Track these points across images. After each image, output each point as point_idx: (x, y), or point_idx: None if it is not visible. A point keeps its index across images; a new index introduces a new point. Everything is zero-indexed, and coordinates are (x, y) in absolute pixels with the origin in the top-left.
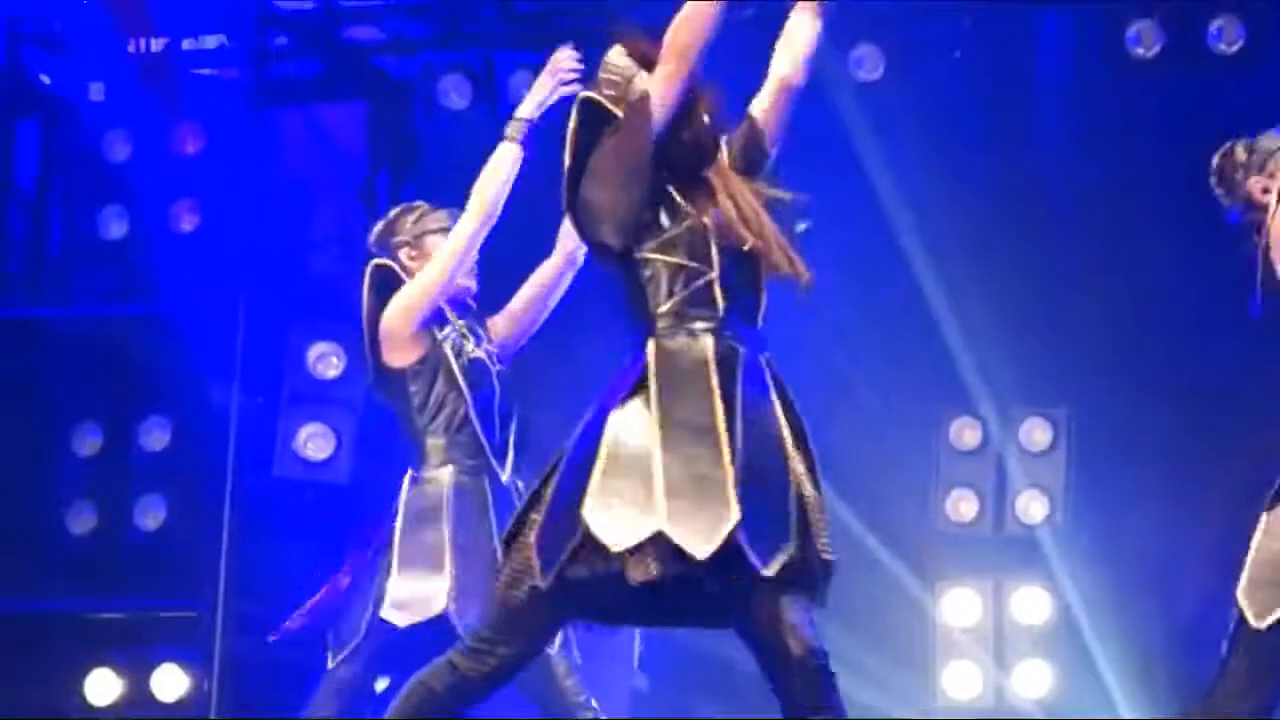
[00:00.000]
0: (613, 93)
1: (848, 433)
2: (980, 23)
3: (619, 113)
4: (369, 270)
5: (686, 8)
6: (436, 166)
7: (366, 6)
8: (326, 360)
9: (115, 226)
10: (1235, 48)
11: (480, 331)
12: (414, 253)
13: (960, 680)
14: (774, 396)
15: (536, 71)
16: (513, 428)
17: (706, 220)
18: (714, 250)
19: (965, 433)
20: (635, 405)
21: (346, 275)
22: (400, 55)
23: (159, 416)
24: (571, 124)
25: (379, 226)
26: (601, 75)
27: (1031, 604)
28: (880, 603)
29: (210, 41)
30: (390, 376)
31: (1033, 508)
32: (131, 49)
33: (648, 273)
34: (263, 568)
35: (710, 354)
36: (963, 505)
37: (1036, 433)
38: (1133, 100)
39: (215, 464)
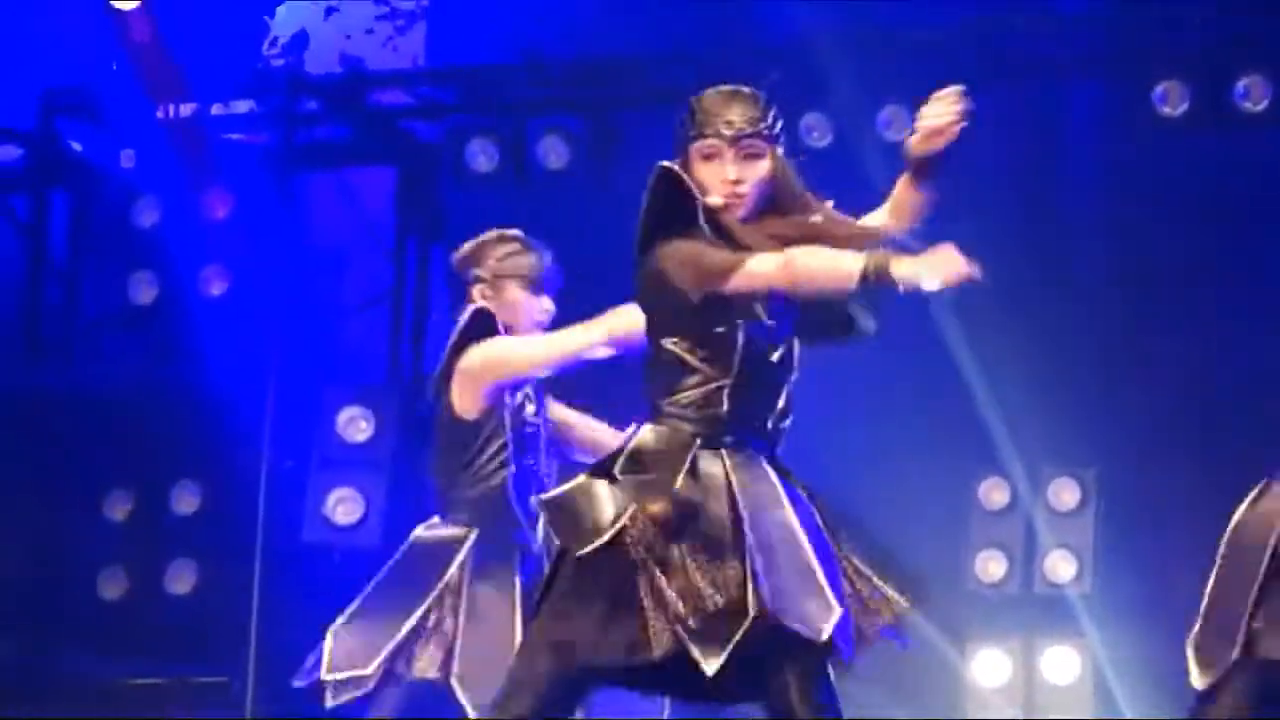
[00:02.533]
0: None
1: (877, 493)
2: (1008, 82)
3: (697, 208)
4: (469, 312)
5: (831, 265)
6: (465, 230)
7: (395, 71)
8: (356, 424)
9: (145, 292)
10: (1262, 106)
11: (541, 398)
12: (489, 292)
13: None
14: (780, 489)
15: (563, 135)
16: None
17: (739, 326)
18: (737, 359)
19: (994, 493)
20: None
21: (376, 339)
22: (429, 120)
23: (189, 481)
24: (653, 189)
25: (468, 249)
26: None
27: (1061, 663)
28: (911, 663)
29: (240, 106)
30: (446, 416)
31: (1061, 567)
32: (161, 115)
33: (666, 359)
34: (293, 632)
35: (689, 447)
36: (992, 565)
37: (1065, 493)
38: (1159, 159)
39: (245, 528)
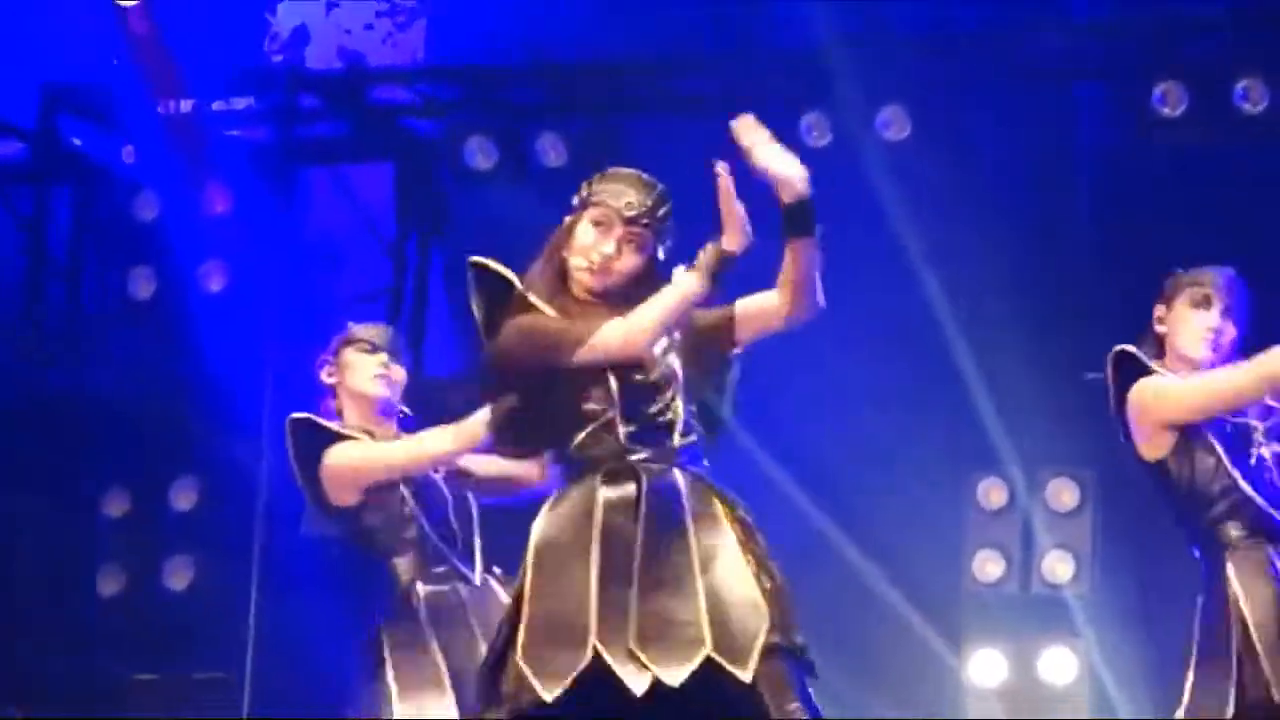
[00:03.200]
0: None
1: (875, 493)
2: (1007, 82)
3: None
4: (287, 424)
5: (670, 296)
6: (463, 226)
7: (394, 68)
8: None
9: (144, 287)
10: (1260, 108)
11: None
12: (331, 369)
13: None
14: (687, 511)
15: (562, 134)
16: (474, 527)
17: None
18: (613, 387)
19: (992, 493)
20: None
21: None
22: (428, 116)
23: (188, 477)
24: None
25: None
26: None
27: (1058, 664)
28: (907, 663)
29: (239, 103)
30: (337, 512)
31: (1059, 568)
32: (161, 111)
33: (564, 417)
34: (291, 628)
35: (596, 495)
36: (989, 566)
37: (1063, 493)
38: (1159, 159)
39: (244, 525)
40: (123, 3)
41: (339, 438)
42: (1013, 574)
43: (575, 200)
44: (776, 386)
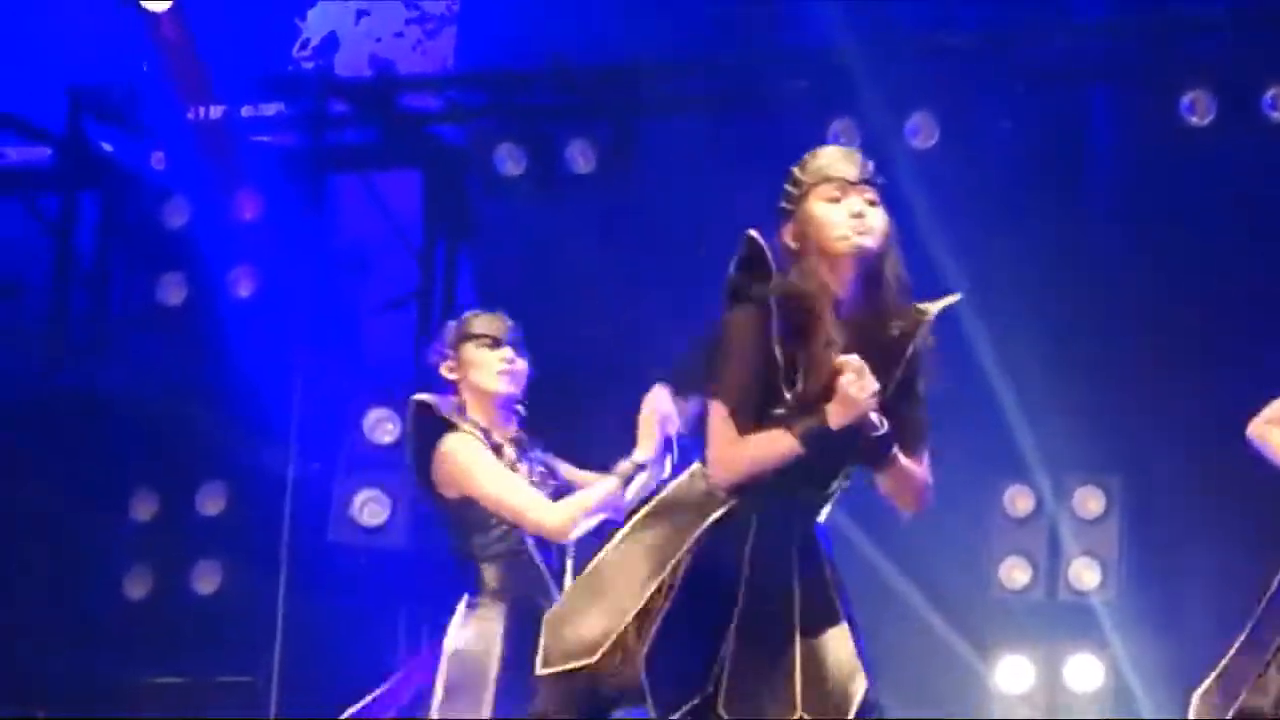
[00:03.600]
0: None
1: None
2: (1034, 89)
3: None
4: (410, 405)
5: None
6: (491, 232)
7: (424, 75)
8: (382, 426)
9: (173, 293)
10: None
11: (532, 452)
12: (453, 364)
13: None
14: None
15: (590, 140)
16: (570, 550)
17: None
18: None
19: (1019, 500)
20: None
21: (403, 341)
22: (457, 123)
23: (216, 482)
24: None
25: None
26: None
27: (1085, 671)
28: (935, 670)
29: (269, 109)
30: (442, 502)
31: (1086, 575)
32: (191, 116)
33: None
34: (317, 633)
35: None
36: (1016, 572)
37: (1090, 500)
38: (1186, 168)
39: (271, 529)
40: (153, 7)
41: (454, 428)
42: (1039, 581)
43: (784, 202)
44: None
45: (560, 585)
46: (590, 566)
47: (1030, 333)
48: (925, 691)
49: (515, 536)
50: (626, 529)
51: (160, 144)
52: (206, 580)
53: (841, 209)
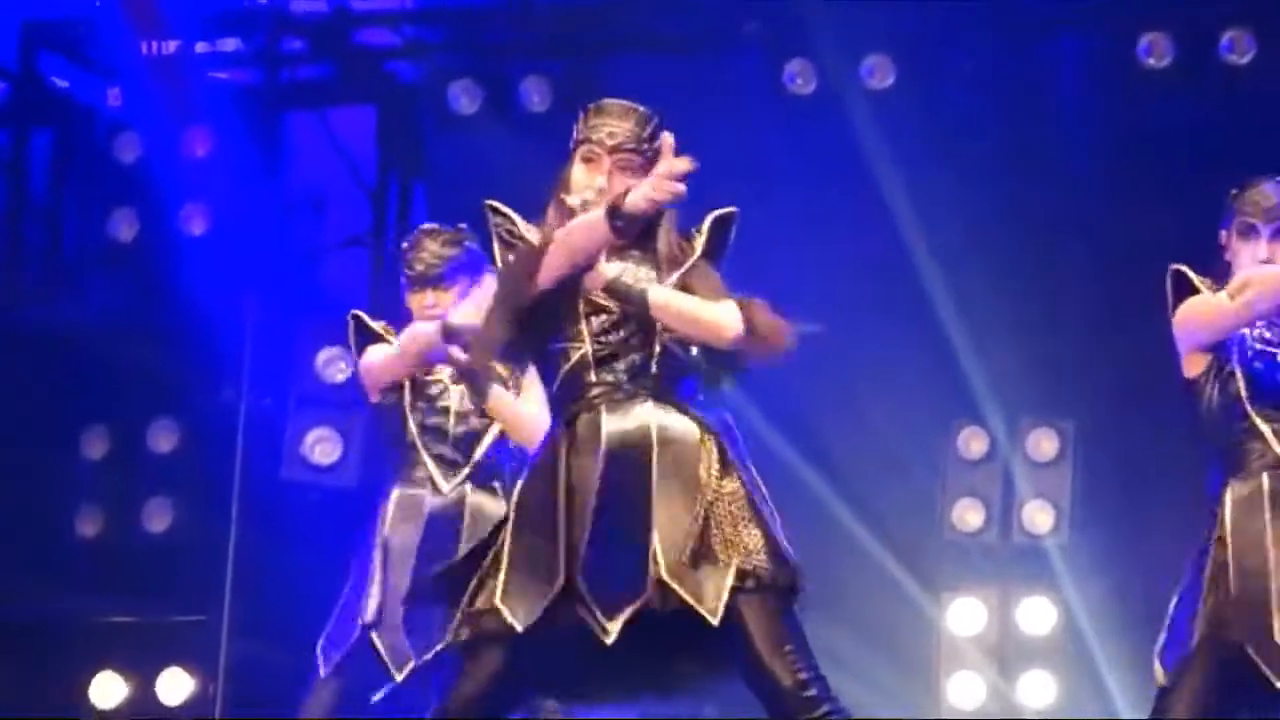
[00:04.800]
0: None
1: (854, 441)
2: (991, 31)
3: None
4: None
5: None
6: (446, 171)
7: (379, 10)
8: (335, 364)
9: (126, 229)
10: (1246, 59)
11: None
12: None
13: (965, 690)
14: (653, 444)
15: (546, 77)
16: (481, 445)
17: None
18: (583, 324)
19: (972, 442)
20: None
21: (356, 279)
22: (412, 60)
23: (167, 419)
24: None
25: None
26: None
27: (1037, 614)
28: (886, 611)
29: (225, 44)
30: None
31: (1039, 518)
32: (145, 51)
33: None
34: (269, 571)
35: (561, 437)
36: (969, 515)
37: (1044, 443)
38: (1143, 111)
39: (223, 467)
40: None
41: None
42: (992, 523)
43: (571, 145)
44: None
45: (448, 474)
46: None
47: (985, 275)
48: (876, 633)
49: (410, 431)
50: None
51: (113, 79)
52: (158, 518)
53: (591, 176)
